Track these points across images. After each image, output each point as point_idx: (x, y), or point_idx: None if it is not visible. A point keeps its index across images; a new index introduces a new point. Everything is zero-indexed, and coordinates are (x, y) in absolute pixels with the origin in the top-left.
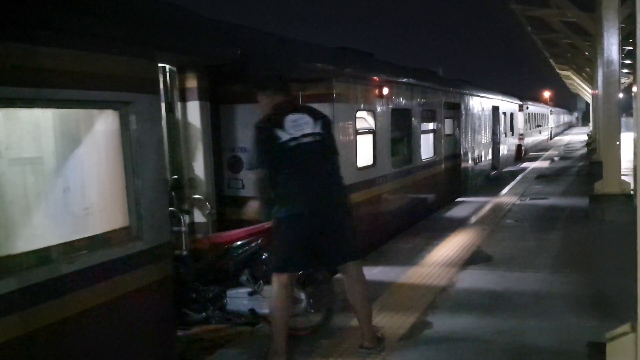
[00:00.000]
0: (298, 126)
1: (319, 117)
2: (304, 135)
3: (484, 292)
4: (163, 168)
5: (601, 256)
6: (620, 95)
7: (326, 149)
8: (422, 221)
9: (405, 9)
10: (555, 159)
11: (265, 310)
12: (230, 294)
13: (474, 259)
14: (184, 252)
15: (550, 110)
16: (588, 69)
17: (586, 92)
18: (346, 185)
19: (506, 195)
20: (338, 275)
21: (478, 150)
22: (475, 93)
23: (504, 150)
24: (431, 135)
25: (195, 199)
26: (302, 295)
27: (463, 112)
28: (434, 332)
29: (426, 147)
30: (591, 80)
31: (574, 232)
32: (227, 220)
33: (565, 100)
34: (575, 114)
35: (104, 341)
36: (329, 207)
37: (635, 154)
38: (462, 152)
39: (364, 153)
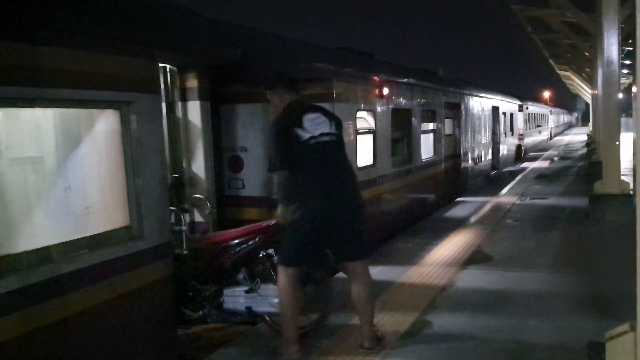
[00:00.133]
0: (316, 125)
1: (333, 117)
2: (322, 135)
3: (484, 292)
4: (164, 168)
5: (601, 256)
6: (620, 95)
7: (342, 149)
8: (422, 221)
9: (406, 9)
10: (555, 159)
11: (262, 309)
12: (227, 292)
13: (474, 258)
14: (185, 252)
15: (550, 111)
16: (588, 69)
17: (586, 93)
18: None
19: (506, 195)
20: (338, 275)
21: (478, 150)
22: (475, 93)
23: (503, 150)
24: (431, 135)
25: (195, 198)
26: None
27: (463, 112)
28: (433, 331)
29: (426, 147)
30: (591, 81)
31: (573, 232)
32: (227, 220)
33: (565, 100)
34: (575, 114)
35: (104, 340)
36: (346, 205)
37: (634, 154)
38: (462, 152)
39: (364, 153)
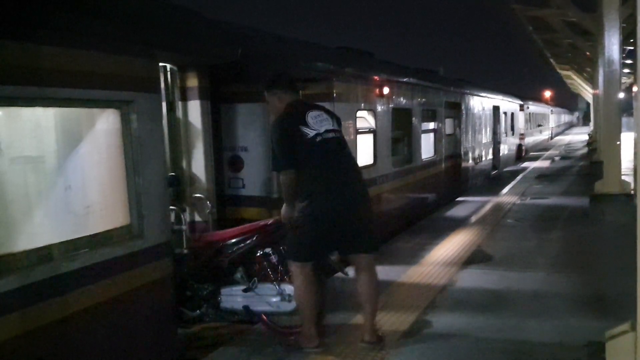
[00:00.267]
0: (320, 122)
1: (333, 114)
2: (327, 131)
3: (484, 292)
4: (164, 167)
5: (601, 256)
6: (622, 95)
7: (346, 144)
8: (423, 221)
9: (406, 8)
10: (556, 158)
11: (259, 308)
12: (224, 291)
13: (474, 258)
14: (185, 251)
15: (551, 110)
16: (589, 69)
17: (587, 92)
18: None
19: (506, 195)
20: (337, 275)
21: (479, 150)
22: (476, 93)
23: (504, 149)
24: (432, 134)
25: (195, 198)
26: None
27: (464, 112)
28: (433, 330)
29: (427, 147)
30: (592, 80)
31: (574, 232)
32: (227, 219)
33: (566, 100)
34: (576, 114)
35: (105, 339)
36: (355, 199)
37: (635, 153)
38: (462, 152)
39: (365, 152)
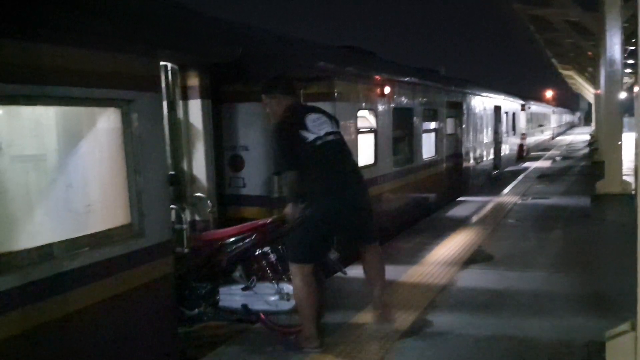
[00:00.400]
0: (319, 125)
1: (331, 117)
2: (327, 134)
3: (485, 291)
4: (164, 166)
5: (602, 256)
6: (624, 94)
7: (346, 146)
8: (423, 220)
9: (408, 8)
10: (557, 158)
11: (258, 307)
12: (223, 290)
13: (474, 258)
14: (185, 250)
15: (553, 110)
16: (591, 69)
17: (589, 92)
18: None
19: (508, 195)
20: (336, 275)
21: (480, 150)
22: (477, 92)
23: (505, 149)
24: (433, 134)
25: (196, 197)
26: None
27: (465, 112)
28: (434, 330)
29: (428, 146)
30: (594, 80)
31: (575, 232)
32: (228, 218)
33: (568, 100)
34: (578, 114)
35: (105, 338)
36: (354, 202)
37: (636, 154)
38: (463, 152)
39: (365, 152)
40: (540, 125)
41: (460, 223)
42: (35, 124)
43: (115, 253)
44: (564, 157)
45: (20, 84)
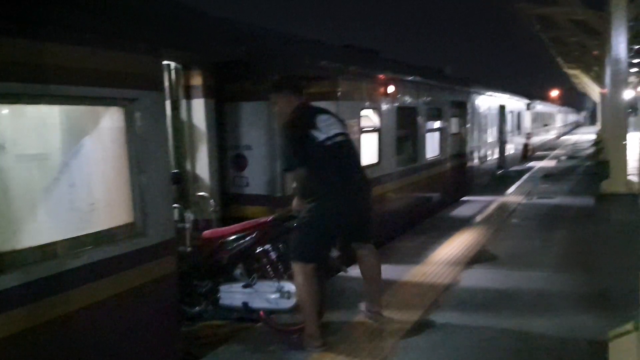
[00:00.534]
0: (329, 126)
1: (339, 118)
2: (336, 135)
3: (488, 291)
4: (167, 165)
5: (606, 255)
6: (632, 94)
7: (354, 147)
8: (427, 220)
9: (412, 6)
10: (562, 158)
11: (258, 305)
12: (223, 288)
13: (478, 257)
14: (188, 249)
15: (558, 109)
16: (596, 68)
17: (594, 92)
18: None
19: (512, 194)
20: (340, 274)
21: (484, 149)
22: (481, 91)
23: (510, 149)
24: (437, 133)
25: (199, 196)
26: (294, 290)
27: (469, 111)
28: (436, 329)
29: (431, 146)
30: (600, 79)
31: (579, 232)
32: (231, 217)
33: (573, 99)
34: (583, 113)
35: (108, 336)
36: (360, 204)
37: None
38: (468, 151)
39: (369, 151)
40: (546, 125)
41: (464, 223)
42: (39, 123)
43: (118, 252)
44: (569, 157)
45: (23, 83)
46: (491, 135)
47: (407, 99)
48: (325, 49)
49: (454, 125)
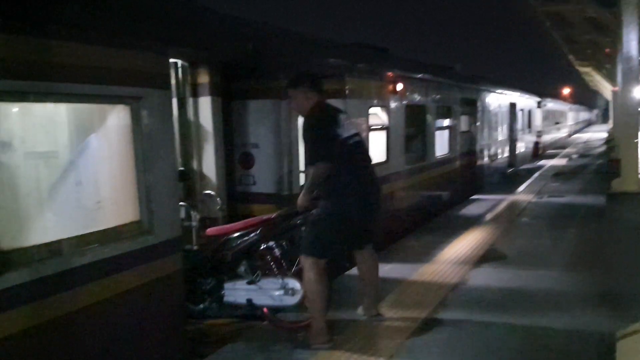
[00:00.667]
0: (348, 126)
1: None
2: (353, 135)
3: (497, 290)
4: (174, 163)
5: (617, 254)
6: None
7: (367, 148)
8: (436, 219)
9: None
10: (574, 156)
11: (262, 302)
12: (227, 286)
13: (487, 256)
14: (194, 247)
15: (569, 107)
16: (608, 66)
17: (606, 89)
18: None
19: (522, 193)
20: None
21: (494, 147)
22: (492, 89)
23: (521, 147)
24: (446, 131)
25: (206, 194)
26: (299, 287)
27: (479, 109)
28: (444, 328)
29: (441, 144)
30: (612, 77)
31: (590, 230)
32: (238, 216)
33: (585, 97)
34: (595, 111)
35: (114, 333)
36: (374, 203)
37: None
38: (478, 149)
39: (377, 150)
40: (557, 123)
41: (473, 221)
42: (46, 121)
43: (124, 250)
44: (580, 155)
45: (31, 81)
46: (501, 134)
47: (416, 97)
48: (334, 47)
49: (463, 123)
